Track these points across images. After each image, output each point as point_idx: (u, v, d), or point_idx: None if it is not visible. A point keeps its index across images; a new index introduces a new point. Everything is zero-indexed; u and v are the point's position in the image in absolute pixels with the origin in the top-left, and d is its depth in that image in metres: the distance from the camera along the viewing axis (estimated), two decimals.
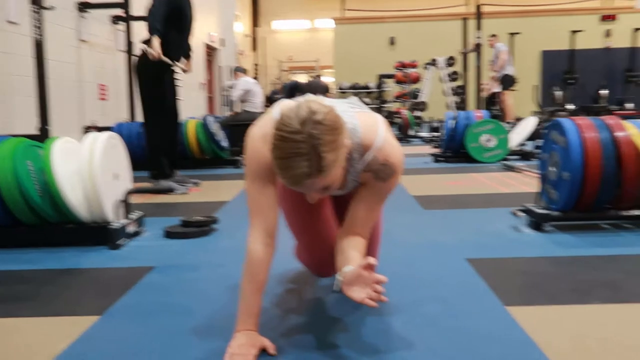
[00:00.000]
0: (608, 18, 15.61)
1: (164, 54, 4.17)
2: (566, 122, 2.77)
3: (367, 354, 1.46)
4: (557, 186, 2.80)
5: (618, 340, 1.52)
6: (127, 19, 6.72)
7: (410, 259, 2.35)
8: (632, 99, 11.70)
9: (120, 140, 2.92)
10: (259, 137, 1.54)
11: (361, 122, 1.55)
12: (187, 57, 4.69)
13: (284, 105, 1.58)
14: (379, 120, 1.59)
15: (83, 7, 6.52)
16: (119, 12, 6.99)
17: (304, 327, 1.70)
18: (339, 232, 1.66)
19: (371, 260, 1.32)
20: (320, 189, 1.39)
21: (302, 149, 1.28)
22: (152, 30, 4.13)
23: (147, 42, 4.18)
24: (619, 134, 2.68)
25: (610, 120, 2.78)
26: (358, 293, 1.35)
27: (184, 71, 4.71)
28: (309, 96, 1.46)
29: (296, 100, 1.44)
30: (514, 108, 10.77)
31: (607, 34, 15.60)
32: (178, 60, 4.50)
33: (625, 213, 2.73)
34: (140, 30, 6.79)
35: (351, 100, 1.68)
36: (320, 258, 1.89)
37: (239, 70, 8.16)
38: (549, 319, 1.67)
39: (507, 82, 9.96)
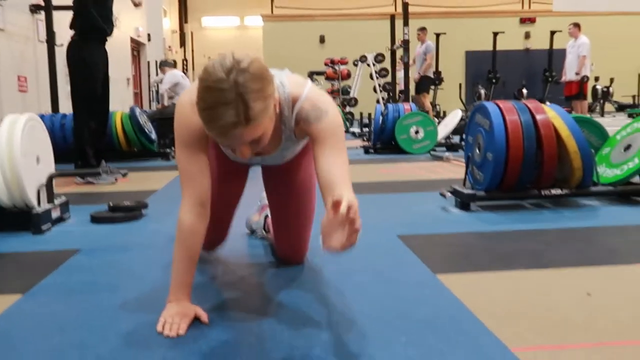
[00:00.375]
0: (527, 20, 16.33)
1: (95, 28, 4.07)
2: (490, 105, 2.88)
3: (301, 321, 1.46)
4: (482, 167, 2.90)
5: (540, 299, 1.59)
6: (47, 8, 6.45)
7: None
8: (550, 98, 12.27)
9: (41, 122, 2.80)
10: (188, 104, 1.50)
11: (289, 79, 1.54)
12: None
13: None
14: (307, 80, 1.57)
15: None
16: (38, 0, 6.71)
17: (239, 300, 1.69)
18: (326, 199, 1.40)
19: (336, 198, 1.15)
20: (250, 142, 1.34)
21: (228, 98, 1.24)
22: None
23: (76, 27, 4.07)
24: (539, 116, 2.80)
25: (530, 103, 2.90)
26: (338, 240, 1.20)
27: (136, 5, 4.63)
28: None
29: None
30: (441, 105, 11.07)
31: (527, 36, 16.32)
32: (111, 33, 4.37)
33: (545, 192, 2.86)
34: (61, 20, 6.56)
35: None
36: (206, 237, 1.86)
37: (166, 65, 7.99)
38: (477, 284, 1.73)
39: (426, 84, 9.85)
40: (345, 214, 1.15)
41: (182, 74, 8.27)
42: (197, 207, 1.51)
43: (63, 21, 6.34)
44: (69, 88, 4.34)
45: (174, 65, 8.05)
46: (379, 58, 10.24)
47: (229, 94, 1.24)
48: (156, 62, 13.44)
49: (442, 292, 1.66)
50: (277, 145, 1.62)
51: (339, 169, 1.42)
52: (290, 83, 1.53)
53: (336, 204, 1.15)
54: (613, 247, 2.14)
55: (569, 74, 9.59)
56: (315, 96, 1.51)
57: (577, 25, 9.64)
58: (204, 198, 1.52)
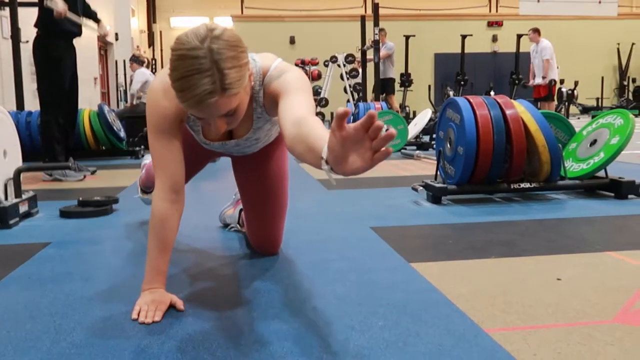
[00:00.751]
0: (494, 24, 16.59)
1: (61, 29, 3.99)
2: (460, 100, 2.92)
3: (277, 307, 1.46)
4: (453, 161, 2.94)
5: (513, 284, 1.62)
6: (12, 4, 6.30)
7: (318, 228, 2.38)
8: (516, 99, 12.47)
9: (9, 116, 2.75)
10: (160, 89, 1.48)
11: (259, 55, 1.52)
12: (97, 20, 4.53)
13: None
14: (275, 55, 1.54)
15: None
16: None
17: (214, 289, 1.68)
18: (289, 133, 1.24)
19: (340, 111, 0.92)
20: (225, 115, 1.31)
21: (203, 65, 1.21)
22: None
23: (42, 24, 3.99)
24: (508, 111, 2.85)
25: (500, 99, 2.95)
26: (357, 158, 0.95)
27: (102, 34, 4.55)
28: None
29: None
30: (411, 106, 11.17)
31: (494, 39, 16.58)
32: (79, 34, 4.31)
33: (514, 186, 2.91)
34: (26, 16, 6.42)
35: None
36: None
37: (135, 61, 7.90)
38: (450, 271, 1.76)
39: (389, 86, 9.73)
40: (362, 128, 0.91)
41: (151, 72, 8.19)
42: (171, 193, 1.49)
43: (27, 18, 6.23)
44: (35, 85, 4.25)
45: (143, 63, 7.95)
46: (350, 59, 10.28)
47: (204, 62, 1.22)
48: (124, 61, 13.29)
49: (416, 278, 1.68)
50: (250, 126, 1.60)
51: (305, 106, 1.31)
52: (261, 57, 1.51)
53: (343, 117, 0.92)
54: (581, 237, 2.19)
55: (537, 78, 9.75)
56: (283, 66, 1.49)
57: (536, 31, 9.79)
58: (177, 185, 1.50)
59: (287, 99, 1.36)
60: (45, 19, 4.05)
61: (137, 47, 14.99)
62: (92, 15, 4.55)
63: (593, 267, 1.77)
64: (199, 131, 1.62)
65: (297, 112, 1.26)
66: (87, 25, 4.46)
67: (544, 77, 9.60)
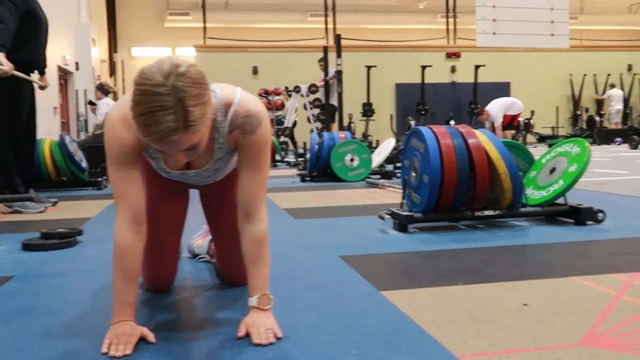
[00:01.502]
0: (453, 55, 17.03)
1: (21, 63, 3.92)
2: (424, 129, 2.99)
3: (247, 338, 1.46)
4: (419, 190, 3.00)
5: (481, 310, 1.65)
6: None
7: (286, 258, 2.38)
8: (476, 128, 12.78)
9: None
10: (118, 120, 1.47)
11: (217, 85, 1.54)
12: (42, 72, 4.44)
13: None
14: (235, 87, 1.57)
15: None
16: None
17: (185, 320, 1.67)
18: (238, 215, 1.57)
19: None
20: (187, 149, 1.33)
21: (167, 102, 1.22)
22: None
23: None
24: (470, 140, 2.93)
25: (462, 128, 3.03)
26: (257, 337, 1.41)
27: (41, 88, 4.45)
28: None
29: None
30: (373, 135, 11.32)
31: (453, 69, 17.00)
32: (41, 69, 4.24)
33: (478, 213, 2.97)
34: None
35: None
36: (153, 272, 1.86)
37: (100, 90, 7.83)
38: (420, 298, 1.78)
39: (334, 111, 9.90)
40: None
41: (114, 102, 8.13)
42: (132, 223, 1.47)
43: None
44: None
45: (108, 93, 7.89)
46: (313, 89, 10.40)
47: (169, 99, 1.22)
48: (85, 90, 13.13)
49: (387, 306, 1.70)
50: (210, 156, 1.60)
51: (258, 187, 1.55)
52: (221, 88, 1.53)
53: None
54: (545, 262, 2.25)
55: (487, 123, 10.43)
56: (247, 100, 1.52)
57: (482, 112, 10.67)
58: (139, 215, 1.49)
59: (249, 164, 1.53)
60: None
61: (98, 76, 14.86)
62: (43, 70, 4.46)
63: (558, 292, 1.82)
64: (158, 159, 1.61)
65: (251, 204, 1.55)
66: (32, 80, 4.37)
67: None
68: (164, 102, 1.22)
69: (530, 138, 13.81)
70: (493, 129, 10.34)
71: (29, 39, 4.09)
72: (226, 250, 1.91)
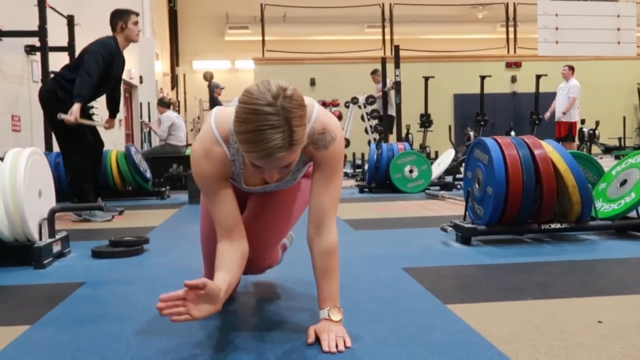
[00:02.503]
0: (513, 65, 16.68)
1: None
2: (488, 140, 2.93)
3: (318, 347, 1.45)
4: (482, 202, 2.93)
5: (552, 326, 1.59)
6: (43, 49, 6.50)
7: (348, 269, 2.37)
8: (540, 139, 12.43)
9: (44, 157, 2.81)
10: (201, 155, 1.54)
11: None
12: (114, 115, 4.65)
13: (220, 108, 1.59)
14: (313, 100, 1.60)
15: None
16: (33, 41, 6.77)
17: (249, 328, 1.68)
18: (309, 227, 1.57)
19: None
20: (284, 166, 1.40)
21: (276, 122, 1.30)
22: (76, 97, 4.02)
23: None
24: (537, 151, 2.85)
25: (528, 139, 2.96)
26: (326, 344, 1.42)
27: (106, 128, 4.65)
28: None
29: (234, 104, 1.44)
30: (431, 146, 11.19)
31: (513, 79, 16.64)
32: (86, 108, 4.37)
33: (545, 226, 2.88)
34: (57, 61, 6.61)
35: None
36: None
37: (161, 104, 8.05)
38: (487, 313, 1.73)
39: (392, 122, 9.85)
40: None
41: (176, 114, 8.35)
42: (226, 237, 1.54)
43: (57, 63, 6.40)
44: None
45: (169, 106, 8.10)
46: (370, 100, 10.38)
47: (277, 119, 1.30)
48: (148, 103, 13.53)
49: (453, 320, 1.67)
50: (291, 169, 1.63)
51: (330, 200, 1.57)
52: None
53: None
54: (618, 278, 2.16)
55: (557, 114, 9.83)
56: (323, 117, 1.56)
57: (571, 68, 10.02)
58: (230, 229, 1.55)
59: (323, 178, 1.56)
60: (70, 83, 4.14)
61: (161, 89, 15.29)
62: (115, 110, 4.67)
63: (634, 310, 1.74)
64: (240, 181, 1.66)
65: (322, 216, 1.55)
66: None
67: (564, 113, 9.66)
68: (274, 122, 1.30)
69: (595, 149, 13.34)
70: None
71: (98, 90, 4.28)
72: (252, 223, 1.77)
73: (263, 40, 16.33)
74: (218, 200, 1.56)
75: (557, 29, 11.27)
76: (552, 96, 14.79)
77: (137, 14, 4.47)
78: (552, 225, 2.89)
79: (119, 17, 4.34)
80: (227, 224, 1.55)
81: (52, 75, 4.45)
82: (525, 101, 15.52)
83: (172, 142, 7.54)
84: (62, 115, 4.01)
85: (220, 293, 1.35)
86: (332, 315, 1.50)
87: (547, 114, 10.07)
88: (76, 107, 3.99)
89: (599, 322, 1.62)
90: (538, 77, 13.97)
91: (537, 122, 12.46)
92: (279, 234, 1.86)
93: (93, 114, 4.57)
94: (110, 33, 4.36)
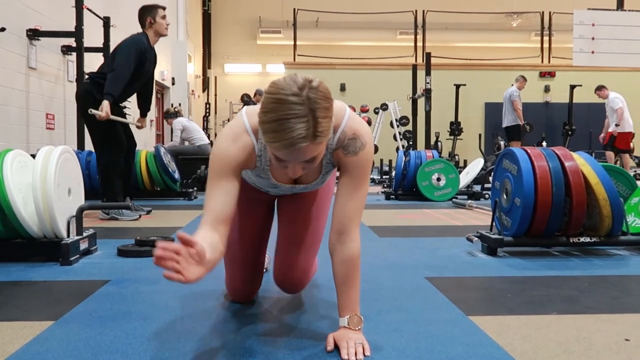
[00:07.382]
0: (547, 74, 16.45)
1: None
2: (518, 150, 2.88)
3: (337, 356, 1.44)
4: (510, 213, 2.89)
5: (578, 343, 1.56)
6: (79, 49, 6.62)
7: (371, 276, 2.35)
8: (571, 150, 12.22)
9: (75, 156, 2.86)
10: (230, 138, 1.50)
11: None
12: (144, 114, 4.71)
13: (250, 106, 1.60)
14: (344, 104, 1.59)
15: (33, 35, 6.41)
16: (70, 41, 6.90)
17: (269, 334, 1.67)
18: (331, 233, 1.55)
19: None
20: (307, 160, 1.38)
21: (300, 112, 1.28)
22: (107, 96, 4.09)
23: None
24: (567, 163, 2.80)
25: (558, 150, 2.90)
26: (345, 351, 1.42)
27: (138, 127, 4.71)
28: None
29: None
30: (460, 154, 11.09)
31: (547, 89, 16.41)
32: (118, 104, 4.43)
33: (573, 240, 2.83)
34: (91, 62, 6.73)
35: None
36: (234, 283, 1.88)
37: (169, 116, 8.12)
38: (511, 326, 1.70)
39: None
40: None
41: (186, 118, 8.43)
42: (211, 222, 1.42)
43: (91, 64, 6.52)
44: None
45: (176, 115, 8.15)
46: (404, 121, 10.35)
47: (302, 108, 1.29)
48: (179, 104, 13.68)
49: (475, 332, 1.64)
50: (319, 172, 1.64)
51: (355, 207, 1.54)
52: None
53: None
54: None
55: (611, 127, 9.80)
56: (355, 123, 1.55)
57: (600, 88, 9.89)
58: (219, 217, 1.44)
59: (350, 183, 1.55)
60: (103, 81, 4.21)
61: (192, 91, 15.45)
62: (146, 108, 4.74)
63: None
64: (268, 177, 1.64)
65: (346, 223, 1.52)
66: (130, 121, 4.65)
67: (617, 125, 9.57)
68: (298, 111, 1.29)
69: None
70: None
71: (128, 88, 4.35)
72: (289, 253, 1.85)
73: (295, 45, 16.40)
74: (221, 188, 1.46)
75: (593, 39, 11.07)
76: (585, 107, 14.56)
77: (164, 8, 4.51)
78: (582, 239, 2.83)
79: (147, 13, 4.39)
80: (218, 215, 1.43)
81: (86, 77, 4.53)
82: (558, 111, 15.31)
83: (197, 143, 7.59)
84: (93, 111, 4.07)
85: (207, 255, 1.26)
86: (352, 324, 1.49)
87: (602, 135, 9.95)
88: (106, 103, 4.05)
89: (627, 340, 1.58)
90: (572, 87, 13.75)
91: (569, 133, 12.26)
92: (315, 250, 1.91)
93: (126, 114, 4.64)
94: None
